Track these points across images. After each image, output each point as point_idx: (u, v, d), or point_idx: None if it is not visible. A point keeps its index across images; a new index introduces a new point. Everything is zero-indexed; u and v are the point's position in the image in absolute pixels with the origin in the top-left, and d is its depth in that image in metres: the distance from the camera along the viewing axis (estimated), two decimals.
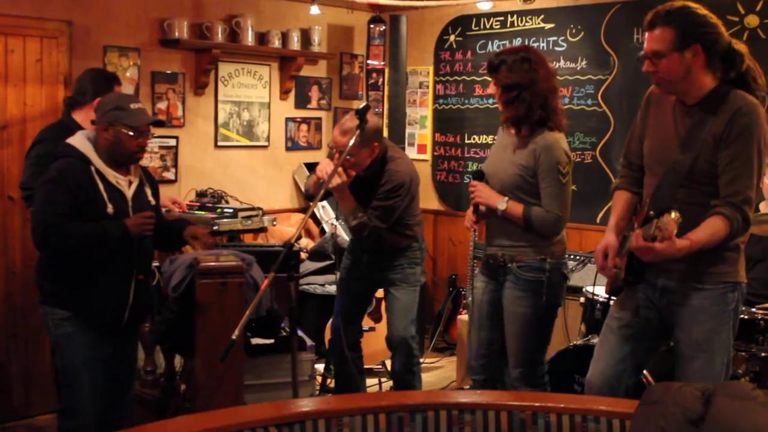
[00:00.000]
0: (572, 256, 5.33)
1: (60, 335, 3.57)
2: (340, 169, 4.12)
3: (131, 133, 3.52)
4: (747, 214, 2.95)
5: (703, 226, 2.92)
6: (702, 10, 3.04)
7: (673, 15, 2.98)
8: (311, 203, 4.01)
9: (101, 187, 3.51)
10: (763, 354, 4.07)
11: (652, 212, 2.91)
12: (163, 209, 4.76)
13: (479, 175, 3.97)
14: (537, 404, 2.66)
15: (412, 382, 4.53)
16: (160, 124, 3.89)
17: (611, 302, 3.39)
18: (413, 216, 4.50)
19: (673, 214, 2.72)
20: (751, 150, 2.95)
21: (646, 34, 3.04)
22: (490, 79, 3.97)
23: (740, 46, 3.09)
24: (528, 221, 3.78)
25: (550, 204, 3.79)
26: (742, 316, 4.13)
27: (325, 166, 4.23)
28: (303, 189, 4.65)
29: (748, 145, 2.94)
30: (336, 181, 4.13)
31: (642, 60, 3.07)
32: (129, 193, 3.61)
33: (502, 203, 3.82)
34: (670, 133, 3.13)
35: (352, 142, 3.85)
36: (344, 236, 6.04)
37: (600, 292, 4.68)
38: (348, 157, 4.06)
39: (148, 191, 3.75)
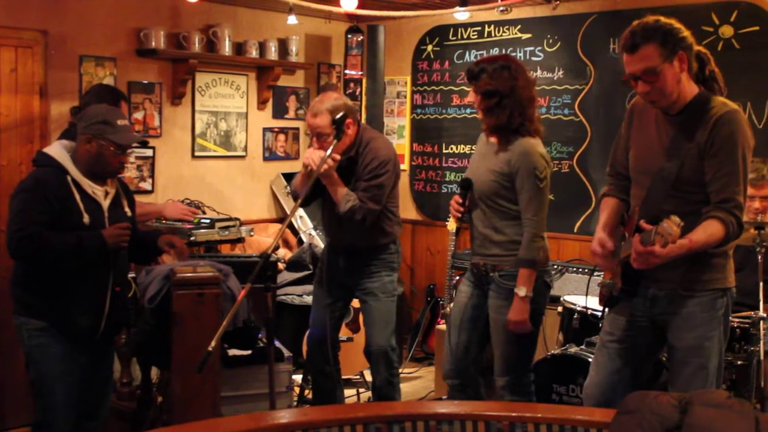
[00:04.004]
0: (551, 265, 5.34)
1: (34, 346, 3.54)
2: (324, 154, 4.06)
3: (115, 150, 3.50)
4: (740, 218, 2.99)
5: (700, 228, 2.95)
6: (670, 20, 3.07)
7: (650, 30, 3.00)
8: (296, 203, 3.95)
9: (77, 197, 3.49)
10: (739, 362, 4.08)
11: (643, 221, 2.93)
12: (178, 220, 4.76)
13: (467, 184, 3.96)
14: (514, 414, 2.66)
15: (392, 394, 4.50)
16: (144, 144, 3.91)
17: (605, 314, 3.40)
18: (395, 207, 4.45)
19: (674, 219, 2.74)
20: (736, 156, 2.99)
21: (627, 57, 3.04)
22: (468, 88, 3.98)
23: (703, 49, 3.17)
24: (528, 263, 3.80)
25: (526, 209, 3.81)
26: None
27: (311, 154, 4.17)
28: (290, 192, 4.59)
29: (733, 152, 2.99)
30: (323, 166, 4.07)
31: (632, 82, 3.07)
32: (105, 203, 3.59)
33: (521, 290, 3.81)
34: (654, 143, 3.16)
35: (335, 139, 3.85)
36: (322, 246, 6.02)
37: (579, 301, 4.71)
38: (324, 137, 4.09)
39: (125, 202, 3.73)
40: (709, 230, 2.95)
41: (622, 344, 3.29)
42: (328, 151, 3.97)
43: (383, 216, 4.35)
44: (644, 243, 2.85)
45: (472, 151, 4.19)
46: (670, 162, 3.07)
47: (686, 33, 3.05)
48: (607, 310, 3.36)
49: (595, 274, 5.16)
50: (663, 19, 3.05)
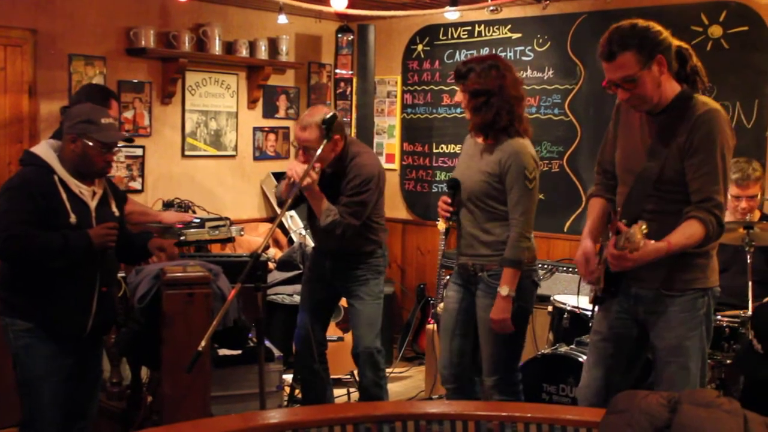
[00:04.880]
0: (540, 265, 5.34)
1: (21, 346, 3.53)
2: (302, 169, 4.07)
3: (99, 149, 3.49)
4: (720, 218, 3.00)
5: (680, 229, 2.96)
6: (646, 22, 3.07)
7: (626, 38, 3.00)
8: (282, 210, 3.95)
9: (64, 196, 3.47)
10: (728, 361, 4.10)
11: (622, 221, 2.94)
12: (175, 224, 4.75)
13: (454, 184, 3.96)
14: (504, 414, 2.67)
15: (380, 395, 4.51)
16: (129, 141, 3.89)
17: (595, 312, 3.42)
18: (380, 216, 4.47)
19: (641, 226, 2.76)
20: (715, 156, 3.00)
21: (605, 65, 3.06)
22: (457, 87, 3.98)
23: (684, 44, 3.17)
24: (513, 262, 3.79)
25: (514, 209, 3.81)
26: None
27: (294, 167, 4.18)
28: (275, 197, 4.58)
29: (712, 151, 3.00)
30: (306, 180, 4.09)
31: (611, 89, 3.08)
32: (92, 203, 3.57)
33: (504, 289, 3.80)
34: (637, 142, 3.17)
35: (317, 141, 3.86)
36: (312, 245, 6.02)
37: (568, 300, 4.72)
38: (312, 152, 4.06)
39: (113, 202, 3.72)
40: (689, 231, 2.96)
41: (610, 343, 3.30)
42: (311, 164, 3.96)
43: (368, 226, 4.38)
44: (616, 247, 2.87)
45: (461, 150, 4.19)
46: (651, 162, 3.08)
47: (664, 34, 3.04)
48: (596, 308, 3.37)
49: None
50: (640, 22, 3.04)
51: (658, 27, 3.06)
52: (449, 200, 3.94)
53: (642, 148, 3.14)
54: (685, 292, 3.12)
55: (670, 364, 3.14)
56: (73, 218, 3.47)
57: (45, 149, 3.54)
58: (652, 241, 2.88)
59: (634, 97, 3.04)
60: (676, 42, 3.11)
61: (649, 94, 3.03)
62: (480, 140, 3.95)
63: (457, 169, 4.10)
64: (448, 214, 3.94)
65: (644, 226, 2.78)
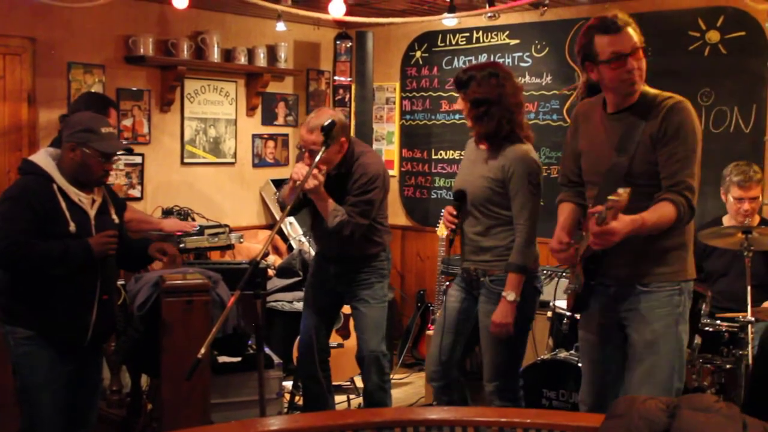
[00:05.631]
0: (540, 270, 5.35)
1: (21, 354, 3.53)
2: (315, 171, 4.06)
3: (98, 158, 3.50)
4: (691, 200, 3.02)
5: (651, 209, 2.99)
6: None
7: (625, 18, 3.09)
8: (283, 213, 3.94)
9: (63, 205, 3.47)
10: (728, 366, 4.10)
11: (593, 207, 2.95)
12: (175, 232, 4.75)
13: (461, 196, 3.95)
14: (504, 419, 2.66)
15: (384, 400, 4.50)
16: (128, 151, 3.89)
17: (578, 320, 3.43)
18: (384, 218, 4.46)
19: (620, 190, 2.77)
20: (687, 143, 3.05)
21: (610, 38, 3.05)
22: (457, 94, 3.98)
23: None
24: (519, 268, 3.80)
25: (519, 214, 3.82)
26: (706, 328, 4.18)
27: (299, 169, 4.16)
28: (277, 202, 4.57)
29: (684, 139, 3.05)
30: (312, 182, 4.08)
31: (624, 60, 3.05)
32: (92, 211, 3.57)
33: (510, 295, 3.80)
34: (602, 143, 3.20)
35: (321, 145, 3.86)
36: (312, 252, 6.02)
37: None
38: (318, 154, 4.06)
39: (112, 210, 3.72)
40: (660, 211, 2.98)
41: (598, 347, 3.31)
42: (313, 165, 3.94)
43: (372, 228, 4.37)
44: (599, 223, 2.86)
45: (461, 157, 4.19)
46: (620, 157, 3.11)
47: None
48: (578, 316, 3.38)
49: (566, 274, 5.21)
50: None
51: None
52: (455, 212, 3.94)
53: (608, 147, 3.16)
54: (660, 287, 3.12)
55: (643, 361, 3.13)
56: (72, 227, 3.47)
57: (44, 158, 3.54)
58: (630, 216, 2.90)
59: (639, 71, 3.08)
60: None
61: (643, 73, 3.10)
62: (482, 147, 3.96)
63: (459, 175, 4.11)
64: (453, 226, 3.95)
65: (628, 189, 2.78)
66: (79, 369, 3.64)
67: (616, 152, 3.13)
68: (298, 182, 4.11)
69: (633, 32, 3.06)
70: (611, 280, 3.20)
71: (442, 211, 4.15)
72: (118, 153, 3.69)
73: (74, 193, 3.51)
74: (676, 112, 3.07)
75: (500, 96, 3.83)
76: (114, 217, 3.71)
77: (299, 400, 5.02)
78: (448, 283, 4.16)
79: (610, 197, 2.78)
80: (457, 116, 6.62)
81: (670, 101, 3.09)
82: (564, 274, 5.48)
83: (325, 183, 4.20)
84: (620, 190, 2.76)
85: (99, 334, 3.66)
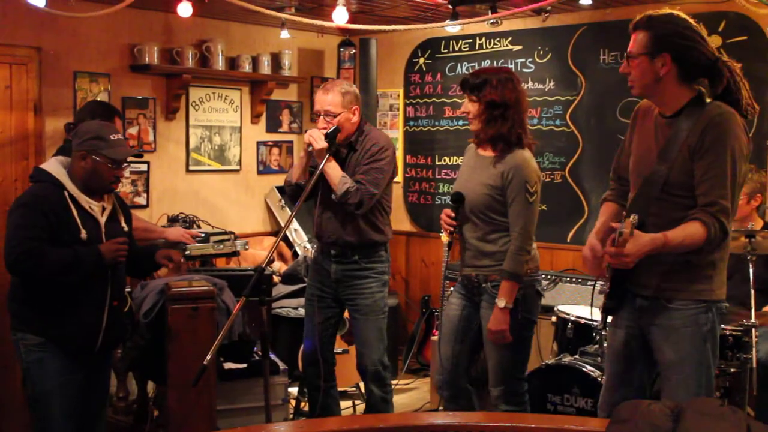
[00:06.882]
0: (544, 275, 5.36)
1: (31, 361, 3.54)
2: (321, 135, 4.12)
3: (109, 165, 3.53)
4: (724, 223, 2.91)
5: (679, 227, 2.91)
6: (686, 21, 3.04)
7: (654, 21, 3.01)
8: (301, 196, 3.95)
9: (74, 212, 3.50)
10: (732, 370, 4.10)
11: (614, 223, 2.95)
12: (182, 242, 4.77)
13: (458, 198, 3.96)
14: (509, 425, 2.67)
15: (386, 410, 4.48)
16: (138, 156, 3.91)
17: (607, 322, 3.37)
18: (388, 204, 4.43)
19: (632, 218, 2.77)
20: (724, 159, 2.93)
21: (632, 35, 3.07)
22: (461, 100, 3.99)
23: (727, 64, 3.08)
24: (511, 275, 3.81)
25: (515, 222, 3.83)
26: None
27: (313, 132, 4.18)
28: (285, 184, 4.52)
29: (722, 154, 2.93)
30: (321, 144, 4.11)
31: (626, 61, 3.09)
32: (102, 219, 3.60)
33: (501, 301, 3.82)
34: (650, 145, 3.13)
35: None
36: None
37: (572, 310, 4.73)
38: (330, 117, 4.17)
39: (122, 218, 3.74)
40: (689, 230, 2.89)
41: (623, 357, 3.26)
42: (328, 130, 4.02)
43: (376, 210, 4.33)
44: (614, 244, 2.85)
45: (461, 162, 4.20)
46: (661, 165, 3.02)
47: (691, 39, 3.01)
48: (609, 319, 3.33)
49: (588, 283, 5.20)
50: (679, 14, 3.03)
51: (691, 32, 3.02)
52: (453, 214, 3.95)
53: (655, 150, 3.08)
54: (688, 304, 3.03)
55: (670, 379, 3.08)
56: (83, 234, 3.49)
57: (55, 166, 3.58)
58: (650, 234, 2.85)
59: (632, 75, 3.06)
60: (721, 63, 3.04)
61: (643, 81, 3.04)
62: (483, 152, 3.96)
63: (458, 181, 4.11)
64: (452, 228, 3.95)
65: (634, 218, 2.77)
66: (90, 375, 3.66)
67: (659, 158, 3.04)
68: (311, 146, 4.13)
69: (646, 38, 2.99)
70: (636, 289, 3.14)
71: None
72: (128, 159, 3.71)
73: (85, 200, 3.54)
74: (718, 124, 2.94)
75: (517, 101, 3.86)
76: (123, 224, 3.73)
77: (305, 406, 5.03)
78: (452, 289, 4.17)
79: (619, 230, 2.77)
80: (460, 122, 6.63)
81: (715, 111, 2.97)
82: (572, 280, 5.50)
83: (335, 161, 4.23)
84: (627, 224, 2.74)
85: (109, 340, 3.67)
